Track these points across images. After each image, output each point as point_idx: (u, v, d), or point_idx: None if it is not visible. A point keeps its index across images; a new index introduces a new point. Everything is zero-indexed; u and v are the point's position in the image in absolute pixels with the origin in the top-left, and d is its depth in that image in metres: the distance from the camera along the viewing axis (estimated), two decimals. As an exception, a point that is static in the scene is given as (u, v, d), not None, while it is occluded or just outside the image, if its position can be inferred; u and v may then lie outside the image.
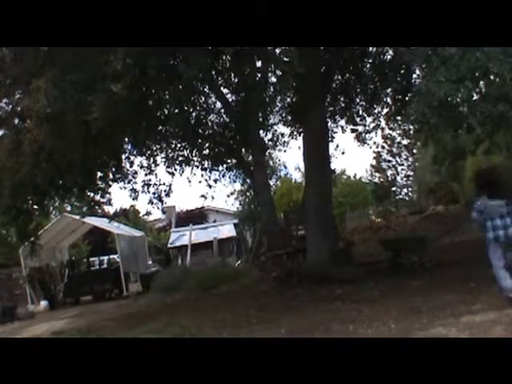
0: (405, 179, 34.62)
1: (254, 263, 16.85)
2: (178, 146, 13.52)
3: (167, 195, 13.55)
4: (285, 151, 17.32)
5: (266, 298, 10.02)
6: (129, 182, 12.84)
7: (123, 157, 12.42)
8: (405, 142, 30.77)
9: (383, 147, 32.56)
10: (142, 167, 13.16)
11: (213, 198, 33.91)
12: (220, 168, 14.52)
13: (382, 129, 15.27)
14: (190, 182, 14.44)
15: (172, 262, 23.99)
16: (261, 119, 13.15)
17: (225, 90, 12.90)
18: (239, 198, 24.58)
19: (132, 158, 12.74)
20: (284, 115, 13.93)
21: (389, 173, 34.08)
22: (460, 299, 6.83)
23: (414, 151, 31.58)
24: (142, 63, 7.88)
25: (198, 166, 14.02)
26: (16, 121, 10.15)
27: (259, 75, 10.71)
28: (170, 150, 13.54)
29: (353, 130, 14.23)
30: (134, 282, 19.21)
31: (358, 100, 13.56)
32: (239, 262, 20.90)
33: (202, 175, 14.26)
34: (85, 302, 18.44)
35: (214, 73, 11.23)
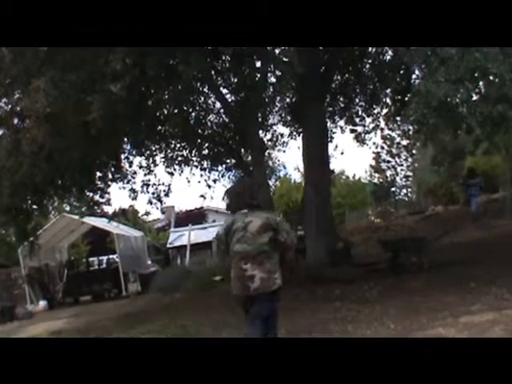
0: (404, 180, 34.64)
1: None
2: (178, 146, 13.51)
3: (166, 195, 13.55)
4: (284, 151, 17.29)
5: (265, 298, 9.99)
6: (128, 182, 12.84)
7: (122, 157, 12.43)
8: (404, 142, 30.73)
9: (382, 148, 32.52)
10: (141, 167, 13.16)
11: (212, 198, 33.94)
12: (219, 168, 14.52)
13: (382, 129, 15.31)
14: (189, 182, 14.49)
15: (171, 262, 23.98)
16: (260, 119, 13.16)
17: (224, 90, 12.91)
18: (239, 198, 24.51)
19: (131, 157, 12.75)
20: (283, 115, 13.94)
21: (388, 173, 34.08)
22: (459, 299, 6.84)
23: (414, 152, 31.57)
24: (141, 63, 7.89)
25: (197, 166, 14.02)
26: (15, 121, 10.16)
27: (259, 75, 10.71)
28: (169, 150, 13.53)
29: (352, 131, 14.23)
30: (133, 282, 19.20)
31: (357, 100, 13.57)
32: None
33: (202, 175, 14.27)
34: (84, 302, 18.42)
35: (213, 73, 11.24)
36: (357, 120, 13.94)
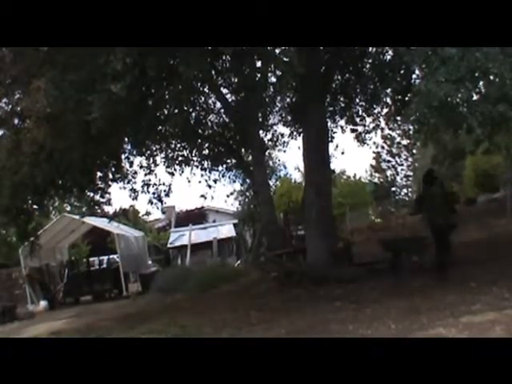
0: (404, 179, 34.66)
1: (253, 263, 16.84)
2: (178, 146, 13.53)
3: (167, 195, 13.56)
4: (284, 151, 17.28)
5: (265, 298, 10.02)
6: (128, 182, 12.84)
7: (123, 157, 12.42)
8: (404, 142, 30.75)
9: (383, 147, 32.58)
10: (141, 167, 13.16)
11: (212, 198, 33.93)
12: (220, 168, 14.54)
13: (382, 129, 15.24)
14: (189, 182, 14.49)
15: (172, 262, 23.98)
16: (260, 119, 13.17)
17: (224, 90, 12.91)
18: (239, 198, 24.55)
19: (132, 157, 12.74)
20: (284, 115, 13.93)
21: (388, 173, 34.09)
22: (460, 299, 6.83)
23: (414, 151, 31.59)
24: (141, 63, 7.87)
25: (197, 166, 14.03)
26: (16, 121, 10.16)
27: (259, 75, 10.70)
28: (169, 150, 13.54)
29: (352, 130, 14.21)
30: (134, 282, 19.20)
31: (357, 100, 13.54)
32: (239, 262, 20.90)
33: (202, 175, 14.29)
34: (84, 302, 18.43)
35: (213, 73, 11.23)
36: (357, 120, 13.91)
